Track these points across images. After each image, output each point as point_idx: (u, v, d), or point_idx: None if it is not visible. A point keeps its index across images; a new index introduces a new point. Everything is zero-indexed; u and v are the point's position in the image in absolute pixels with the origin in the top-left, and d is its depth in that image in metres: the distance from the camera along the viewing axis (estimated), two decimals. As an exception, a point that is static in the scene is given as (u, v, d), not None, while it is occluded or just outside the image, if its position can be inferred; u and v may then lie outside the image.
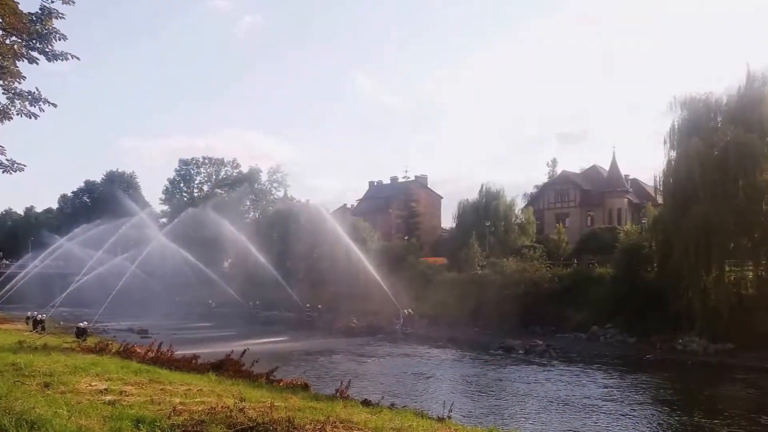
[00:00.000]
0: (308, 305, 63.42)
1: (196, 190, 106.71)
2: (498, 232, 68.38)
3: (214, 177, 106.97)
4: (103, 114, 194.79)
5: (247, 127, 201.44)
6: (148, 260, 63.73)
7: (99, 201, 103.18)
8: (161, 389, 12.77)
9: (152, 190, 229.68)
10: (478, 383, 30.39)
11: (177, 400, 11.32)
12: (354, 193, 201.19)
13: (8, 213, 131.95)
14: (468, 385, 30.21)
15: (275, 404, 11.44)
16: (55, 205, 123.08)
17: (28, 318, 42.40)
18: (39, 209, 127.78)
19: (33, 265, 70.40)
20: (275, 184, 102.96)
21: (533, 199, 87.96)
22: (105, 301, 53.95)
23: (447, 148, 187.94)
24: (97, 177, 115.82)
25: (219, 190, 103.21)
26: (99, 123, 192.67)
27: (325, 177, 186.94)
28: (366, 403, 14.74)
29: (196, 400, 11.70)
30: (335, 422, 10.54)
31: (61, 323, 47.60)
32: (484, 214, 69.42)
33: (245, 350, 20.60)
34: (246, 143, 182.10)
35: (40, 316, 40.22)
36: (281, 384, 17.97)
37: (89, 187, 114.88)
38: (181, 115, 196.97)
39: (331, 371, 32.73)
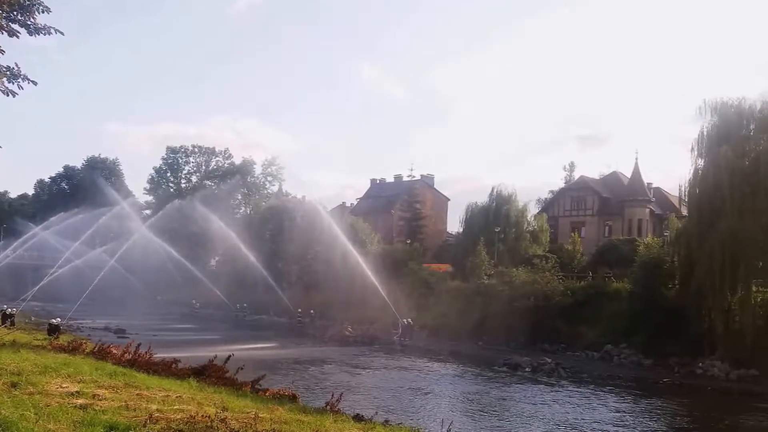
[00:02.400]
0: (300, 310, 63.52)
1: (183, 181, 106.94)
2: (508, 239, 68.35)
3: (203, 167, 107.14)
4: (87, 95, 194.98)
5: (242, 114, 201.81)
6: (129, 255, 63.69)
7: (78, 188, 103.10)
8: (137, 394, 12.77)
9: (136, 179, 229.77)
10: (480, 401, 30.38)
11: (154, 407, 11.31)
12: (354, 190, 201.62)
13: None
14: (469, 403, 30.20)
15: (260, 415, 11.43)
16: (30, 191, 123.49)
17: (-4, 312, 42.44)
18: (13, 194, 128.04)
19: (4, 255, 70.45)
20: (269, 178, 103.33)
21: (548, 205, 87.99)
22: (80, 296, 54.00)
23: (456, 147, 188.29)
24: (78, 162, 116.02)
25: (208, 182, 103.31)
26: (82, 105, 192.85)
27: (323, 172, 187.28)
28: (358, 418, 14.74)
29: (175, 407, 11.69)
30: (324, 437, 10.55)
31: (33, 318, 47.77)
32: (494, 219, 69.40)
33: (230, 356, 20.59)
34: (239, 132, 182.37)
35: (9, 309, 40.23)
36: (267, 394, 17.97)
37: (68, 173, 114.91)
38: (171, 100, 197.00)
39: (321, 382, 32.78)
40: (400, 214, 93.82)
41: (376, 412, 15.83)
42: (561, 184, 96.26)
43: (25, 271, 75.19)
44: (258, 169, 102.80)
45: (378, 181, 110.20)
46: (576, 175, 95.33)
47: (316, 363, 40.19)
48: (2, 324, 36.17)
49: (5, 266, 67.57)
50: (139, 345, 21.81)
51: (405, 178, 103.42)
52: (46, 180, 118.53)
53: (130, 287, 73.76)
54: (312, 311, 62.59)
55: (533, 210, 79.99)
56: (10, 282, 69.50)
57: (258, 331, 58.31)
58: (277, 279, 68.03)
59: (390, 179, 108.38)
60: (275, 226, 75.79)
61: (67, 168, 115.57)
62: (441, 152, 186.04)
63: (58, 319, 35.64)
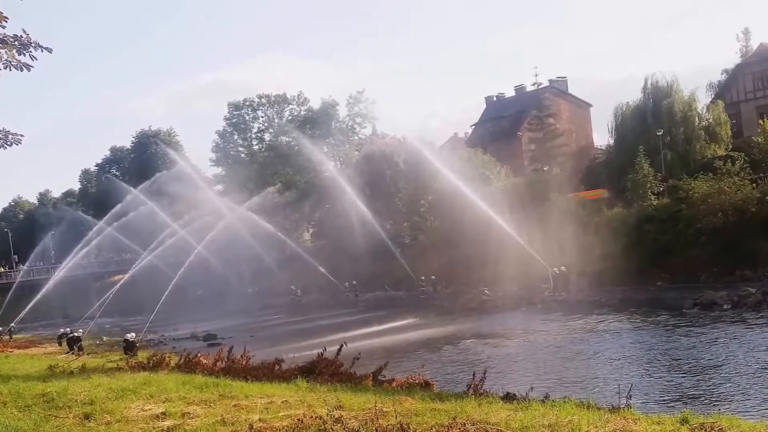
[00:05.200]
0: (423, 278, 64.01)
1: (255, 142, 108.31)
2: (676, 142, 66.48)
3: (276, 120, 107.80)
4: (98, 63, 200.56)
5: (285, 50, 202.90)
6: (210, 243, 65.18)
7: (133, 172, 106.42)
8: (234, 406, 13.49)
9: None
10: (668, 357, 30.13)
11: (255, 417, 11.94)
12: (467, 115, 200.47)
13: (17, 203, 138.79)
14: (653, 361, 29.96)
15: (383, 410, 11.83)
16: (75, 186, 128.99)
17: (61, 336, 44.97)
18: (56, 193, 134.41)
19: (76, 264, 73.18)
20: (358, 119, 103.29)
21: (722, 90, 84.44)
22: (158, 301, 55.85)
23: (587, 35, 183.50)
24: (124, 142, 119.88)
25: (285, 138, 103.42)
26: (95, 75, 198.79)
27: (418, 102, 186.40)
28: (509, 397, 15.01)
29: (280, 414, 12.30)
30: (464, 424, 10.84)
31: (104, 339, 50.40)
32: (653, 119, 67.62)
33: (341, 346, 21.22)
34: (289, 72, 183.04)
35: (75, 333, 42.45)
36: (394, 385, 18.53)
37: (117, 156, 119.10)
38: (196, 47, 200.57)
39: (459, 362, 33.32)
40: (529, 135, 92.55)
41: (532, 388, 16.00)
42: (736, 60, 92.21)
43: (88, 282, 78.72)
44: (343, 111, 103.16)
45: (495, 98, 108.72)
46: (754, 44, 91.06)
47: (451, 340, 40.67)
48: (70, 350, 38.47)
49: (66, 279, 70.87)
50: (231, 349, 22.82)
51: (529, 88, 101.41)
52: (92, 168, 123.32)
53: (215, 282, 76.43)
54: (433, 277, 63.06)
55: (704, 99, 77.14)
56: (72, 298, 73.06)
57: (375, 311, 59.17)
58: (388, 244, 68.88)
59: (510, 93, 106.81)
60: (375, 179, 76.36)
61: (114, 150, 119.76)
62: (568, 46, 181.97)
63: (133, 334, 37.40)
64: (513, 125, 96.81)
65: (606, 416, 11.94)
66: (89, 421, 12.04)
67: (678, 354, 30.51)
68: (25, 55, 17.37)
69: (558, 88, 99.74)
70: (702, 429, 10.83)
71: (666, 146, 64.61)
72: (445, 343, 39.85)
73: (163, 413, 12.61)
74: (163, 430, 10.97)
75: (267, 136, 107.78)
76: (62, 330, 46.60)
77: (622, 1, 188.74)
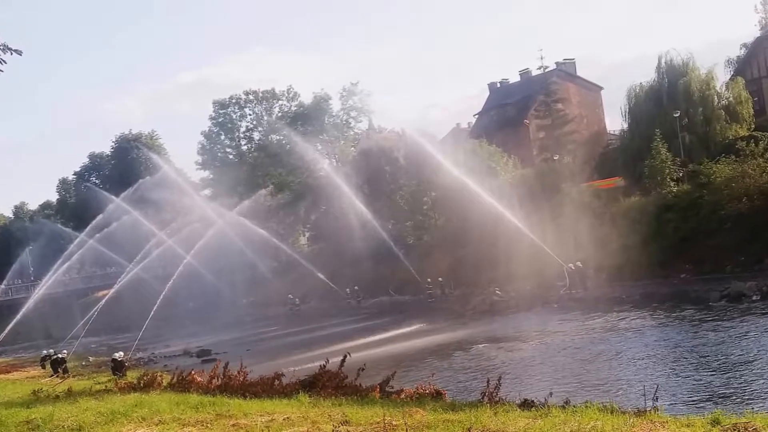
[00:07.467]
0: (429, 280, 63.90)
1: (243, 141, 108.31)
2: (694, 124, 66.19)
3: (265, 118, 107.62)
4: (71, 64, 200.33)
5: (270, 44, 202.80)
6: (198, 252, 65.22)
7: (114, 179, 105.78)
8: (233, 425, 13.47)
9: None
10: (693, 355, 30.01)
11: (255, 437, 11.92)
12: (469, 104, 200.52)
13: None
14: (678, 360, 29.81)
15: (392, 423, 11.82)
16: (53, 197, 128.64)
17: (44, 358, 44.92)
18: (33, 205, 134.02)
19: (57, 281, 73.24)
20: (353, 113, 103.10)
21: (742, 66, 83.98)
22: (147, 317, 55.75)
23: (593, 11, 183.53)
24: (103, 147, 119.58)
25: (276, 136, 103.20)
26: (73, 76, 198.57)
27: (416, 93, 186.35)
28: (526, 404, 15.00)
29: (282, 432, 12.26)
30: (480, 435, 10.82)
31: (91, 359, 50.38)
32: (669, 100, 67.27)
33: (345, 357, 21.20)
34: (276, 67, 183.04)
35: (59, 354, 42.44)
36: (402, 396, 18.52)
37: (96, 163, 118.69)
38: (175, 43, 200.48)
39: (472, 368, 33.22)
40: (537, 122, 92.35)
41: (551, 394, 15.97)
42: (756, 33, 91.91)
43: (70, 299, 78.60)
44: (336, 105, 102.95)
45: (499, 85, 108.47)
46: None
47: (462, 345, 40.59)
48: (53, 373, 38.48)
49: (47, 297, 70.88)
50: (226, 364, 22.78)
51: (535, 72, 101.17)
52: (70, 177, 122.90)
53: (207, 293, 76.38)
54: (440, 279, 62.98)
55: (722, 76, 76.82)
56: (55, 316, 72.98)
57: (379, 318, 59.16)
58: (390, 245, 68.78)
59: (515, 78, 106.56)
60: (374, 176, 76.29)
61: (92, 156, 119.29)
62: (571, 25, 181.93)
63: (121, 353, 37.44)
64: (519, 113, 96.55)
65: (631, 420, 11.94)
66: (78, 448, 12.05)
67: (706, 350, 30.46)
68: (-7, 58, 17.29)
69: (566, 70, 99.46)
70: (735, 430, 10.81)
71: (684, 129, 64.38)
72: (455, 349, 39.80)
73: (157, 436, 12.61)
74: (157, 454, 10.96)
75: (256, 135, 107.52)
76: (45, 352, 46.51)
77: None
